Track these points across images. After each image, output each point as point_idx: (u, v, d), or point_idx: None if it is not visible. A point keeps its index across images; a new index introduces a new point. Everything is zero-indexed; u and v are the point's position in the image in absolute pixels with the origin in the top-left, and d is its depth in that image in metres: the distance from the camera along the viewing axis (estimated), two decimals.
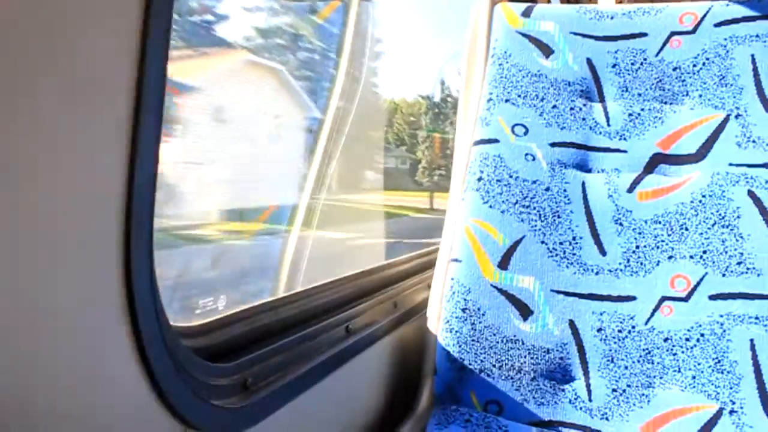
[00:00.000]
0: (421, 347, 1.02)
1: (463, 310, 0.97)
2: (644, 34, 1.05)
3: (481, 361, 0.96)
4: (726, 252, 0.91)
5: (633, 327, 0.93)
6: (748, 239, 0.91)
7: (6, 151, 0.38)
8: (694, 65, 1.01)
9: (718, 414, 0.87)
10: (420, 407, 0.98)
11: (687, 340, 0.90)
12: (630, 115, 1.03)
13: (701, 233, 0.94)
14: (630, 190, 1.00)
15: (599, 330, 0.94)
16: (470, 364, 0.96)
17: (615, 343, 0.93)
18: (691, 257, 0.93)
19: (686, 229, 0.95)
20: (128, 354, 0.49)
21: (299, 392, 0.72)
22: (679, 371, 0.90)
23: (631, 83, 1.04)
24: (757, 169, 0.93)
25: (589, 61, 1.06)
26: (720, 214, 0.93)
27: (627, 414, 0.91)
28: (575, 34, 1.08)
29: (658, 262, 0.95)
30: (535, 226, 0.99)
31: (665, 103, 1.03)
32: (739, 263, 0.90)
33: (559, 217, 1.00)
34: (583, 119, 1.04)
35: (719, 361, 0.88)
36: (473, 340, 0.96)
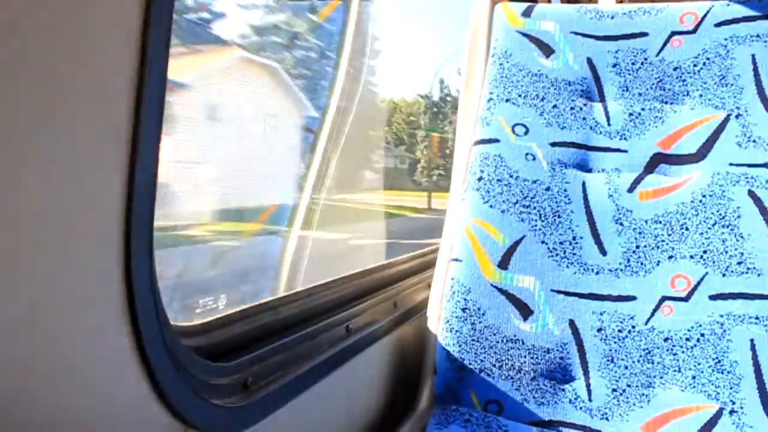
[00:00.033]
0: (421, 347, 1.02)
1: (463, 309, 0.97)
2: (645, 34, 1.05)
3: (481, 360, 0.95)
4: (726, 252, 0.91)
5: (633, 327, 0.93)
6: (748, 239, 0.91)
7: (6, 151, 0.38)
8: (695, 65, 1.01)
9: (718, 414, 0.87)
10: (420, 407, 0.98)
11: (687, 340, 0.90)
12: (630, 114, 1.03)
13: (701, 233, 0.94)
14: (630, 189, 0.99)
15: (599, 330, 0.94)
16: (470, 363, 0.96)
17: (615, 342, 0.93)
18: (692, 257, 0.93)
19: (686, 229, 0.95)
20: (128, 353, 0.49)
21: (299, 392, 0.72)
22: (679, 371, 0.90)
23: (632, 83, 1.04)
24: (757, 168, 0.93)
25: (589, 60, 1.06)
26: (720, 214, 0.93)
27: (627, 414, 0.91)
28: (576, 33, 1.08)
29: (659, 261, 0.95)
30: (536, 225, 0.99)
31: (666, 102, 1.03)
32: (739, 263, 0.90)
33: (559, 216, 1.00)
34: (584, 119, 1.04)
35: (719, 361, 0.88)
36: (473, 340, 0.96)
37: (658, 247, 0.95)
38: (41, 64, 0.40)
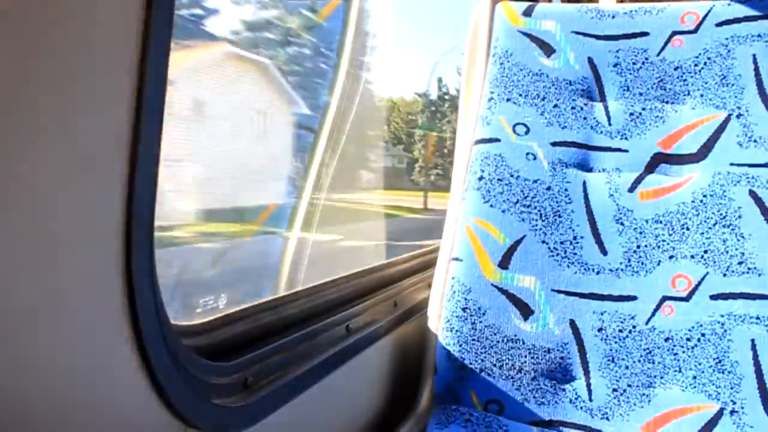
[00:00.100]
0: (421, 346, 1.02)
1: (464, 309, 0.97)
2: (646, 34, 1.05)
3: (482, 360, 0.95)
4: (727, 252, 0.91)
5: (634, 327, 0.93)
6: (749, 239, 0.91)
7: (6, 150, 0.38)
8: (696, 65, 1.01)
9: (719, 414, 0.87)
10: (420, 406, 0.98)
11: (688, 339, 0.90)
12: (631, 114, 1.03)
13: (702, 233, 0.93)
14: (631, 189, 0.99)
15: (600, 330, 0.94)
16: (471, 363, 0.96)
17: (616, 342, 0.93)
18: (692, 257, 0.93)
19: (687, 229, 0.95)
20: (129, 353, 0.49)
21: (300, 391, 0.72)
22: (680, 371, 0.89)
23: (633, 83, 1.04)
24: (758, 168, 0.93)
25: (590, 60, 1.06)
26: (721, 214, 0.93)
27: (627, 414, 0.91)
28: (576, 33, 1.08)
29: (659, 261, 0.95)
30: (536, 225, 0.99)
31: (666, 102, 1.03)
32: (740, 263, 0.90)
33: (560, 216, 1.00)
34: (585, 118, 1.04)
35: (720, 361, 0.88)
36: (474, 340, 0.96)
37: (658, 247, 0.95)
38: (41, 63, 0.40)
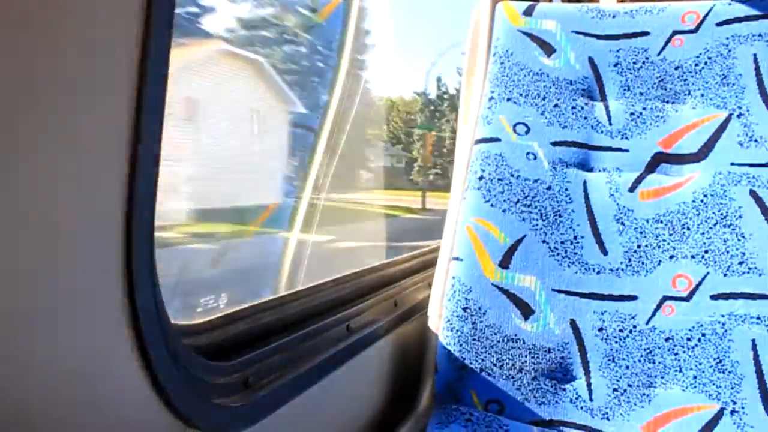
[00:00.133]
0: (421, 346, 1.02)
1: (464, 309, 0.97)
2: (646, 33, 1.05)
3: (482, 360, 0.95)
4: (728, 252, 0.91)
5: (634, 326, 0.93)
6: (749, 239, 0.91)
7: (7, 150, 0.38)
8: (696, 64, 1.01)
9: (719, 414, 0.87)
10: (421, 406, 0.98)
11: (688, 339, 0.90)
12: (632, 114, 1.03)
13: (703, 233, 0.93)
14: (631, 189, 0.99)
15: (600, 329, 0.94)
16: (471, 363, 0.95)
17: (616, 342, 0.93)
18: (693, 257, 0.93)
19: (688, 229, 0.95)
20: (129, 352, 0.49)
21: (300, 391, 0.72)
22: (681, 371, 0.89)
23: (633, 82, 1.04)
24: (759, 168, 0.93)
25: (591, 59, 1.06)
26: (722, 214, 0.93)
27: (628, 414, 0.90)
28: (577, 32, 1.08)
29: (660, 261, 0.94)
30: (537, 225, 0.99)
31: (667, 102, 1.02)
32: (740, 263, 0.90)
33: (560, 216, 0.99)
34: (585, 118, 1.04)
35: (720, 361, 0.88)
36: (474, 339, 0.96)
37: (659, 247, 0.95)
38: (42, 63, 0.40)
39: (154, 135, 0.49)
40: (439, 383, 0.97)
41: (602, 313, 0.94)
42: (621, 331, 0.93)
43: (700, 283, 0.91)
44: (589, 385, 0.93)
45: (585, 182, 1.01)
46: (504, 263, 0.98)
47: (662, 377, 0.90)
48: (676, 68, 1.02)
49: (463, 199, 1.04)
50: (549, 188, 1.01)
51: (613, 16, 1.07)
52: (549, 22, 1.09)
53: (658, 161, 1.00)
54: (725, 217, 0.93)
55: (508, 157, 1.03)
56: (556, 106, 1.05)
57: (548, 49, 1.08)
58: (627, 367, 0.92)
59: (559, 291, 0.96)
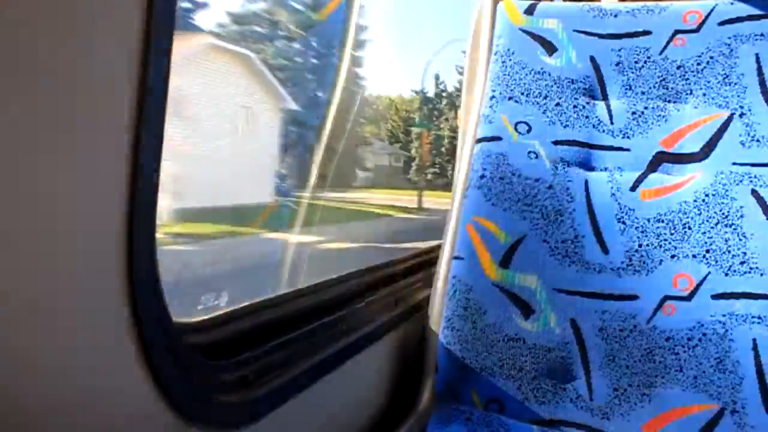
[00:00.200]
0: (422, 345, 1.02)
1: (465, 308, 0.97)
2: (648, 32, 1.05)
3: (483, 359, 0.95)
4: (729, 251, 0.91)
5: (635, 326, 0.92)
6: (751, 239, 0.91)
7: (7, 150, 0.38)
8: (698, 64, 1.01)
9: (720, 414, 0.87)
10: (421, 405, 0.97)
11: (689, 339, 0.90)
12: (633, 113, 1.03)
13: (704, 232, 0.93)
14: (633, 188, 0.99)
15: (601, 329, 0.94)
16: (471, 362, 0.95)
17: (617, 342, 0.93)
18: (694, 256, 0.93)
19: (689, 228, 0.94)
20: (130, 349, 0.49)
21: (300, 389, 0.72)
22: (681, 371, 0.89)
23: (635, 81, 1.04)
24: (760, 168, 0.93)
25: (592, 59, 1.06)
26: (723, 214, 0.93)
27: (628, 413, 0.90)
28: (579, 31, 1.08)
29: (661, 261, 0.94)
30: (538, 224, 0.99)
31: (669, 101, 1.02)
32: (742, 263, 0.90)
33: (561, 215, 0.99)
34: (587, 117, 1.04)
35: (721, 361, 0.88)
36: (474, 339, 0.96)
37: (660, 246, 0.95)
38: (42, 62, 0.40)
39: (156, 132, 0.49)
40: (439, 382, 0.97)
41: (603, 313, 0.94)
42: (621, 330, 0.93)
43: (701, 283, 0.91)
44: (589, 384, 0.93)
45: (586, 181, 1.01)
46: (505, 262, 0.98)
47: (663, 377, 0.90)
48: (678, 67, 1.02)
49: (465, 198, 1.04)
50: (550, 187, 1.00)
51: (615, 15, 1.07)
52: (550, 20, 1.09)
53: (659, 161, 1.00)
54: (727, 217, 0.93)
55: (510, 156, 1.03)
56: (557, 105, 1.05)
57: (550, 48, 1.08)
58: (627, 367, 0.92)
59: (560, 290, 0.96)
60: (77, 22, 0.41)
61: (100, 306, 0.46)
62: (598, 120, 1.04)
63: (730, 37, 1.00)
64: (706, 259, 0.92)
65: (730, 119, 0.97)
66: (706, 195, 0.95)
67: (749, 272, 0.89)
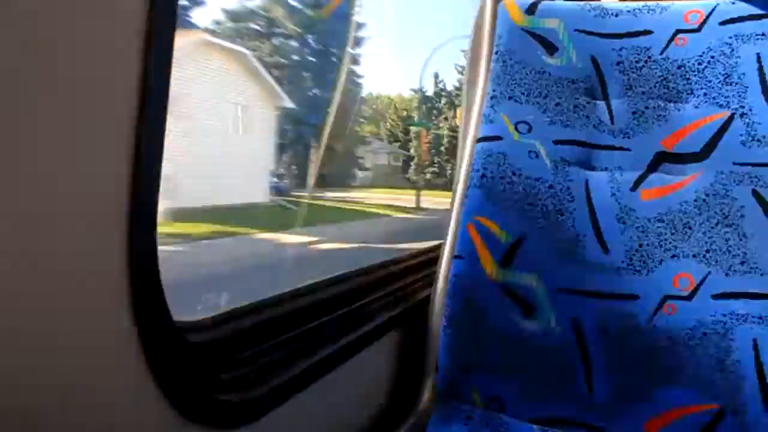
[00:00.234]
0: (422, 345, 1.01)
1: (465, 307, 0.97)
2: (649, 32, 1.05)
3: (483, 359, 0.95)
4: (729, 251, 0.91)
5: (635, 326, 0.92)
6: (752, 238, 0.91)
7: (8, 149, 0.38)
8: (699, 63, 1.01)
9: (720, 414, 0.87)
10: (422, 404, 0.97)
11: (689, 339, 0.90)
12: (634, 113, 1.03)
13: (705, 232, 0.93)
14: (633, 188, 0.99)
15: (601, 328, 0.94)
16: (472, 362, 0.95)
17: (617, 341, 0.93)
18: (695, 256, 0.93)
19: (690, 228, 0.94)
20: (131, 348, 0.49)
21: (300, 389, 0.72)
22: (682, 371, 0.89)
23: (636, 81, 1.04)
24: (761, 168, 0.93)
25: (593, 58, 1.06)
26: (724, 214, 0.93)
27: (628, 413, 0.90)
28: (580, 31, 1.07)
29: (662, 260, 0.94)
30: (538, 223, 0.99)
31: (669, 101, 1.02)
32: (742, 263, 0.90)
33: (562, 214, 0.99)
34: (587, 117, 1.04)
35: (722, 361, 0.88)
36: (475, 338, 0.96)
37: (661, 246, 0.95)
38: (43, 61, 0.39)
39: (157, 134, 0.49)
40: (439, 382, 0.97)
41: (603, 312, 0.94)
42: (622, 330, 0.93)
43: (701, 283, 0.91)
44: (590, 384, 0.93)
45: (587, 181, 1.01)
46: (505, 262, 0.98)
47: (663, 377, 0.90)
48: (679, 67, 1.02)
49: (465, 198, 1.04)
50: (551, 187, 1.00)
51: (616, 15, 1.07)
52: (551, 20, 1.09)
53: (660, 160, 1.00)
54: (727, 217, 0.93)
55: (510, 155, 1.03)
56: (558, 104, 1.04)
57: (551, 48, 1.07)
58: (628, 367, 0.92)
59: (561, 290, 0.96)
60: (78, 21, 0.41)
61: (101, 306, 0.46)
62: (599, 120, 1.04)
63: (731, 37, 1.00)
64: (707, 258, 0.92)
65: (730, 119, 0.97)
66: (707, 195, 0.95)
67: (749, 272, 0.89)
